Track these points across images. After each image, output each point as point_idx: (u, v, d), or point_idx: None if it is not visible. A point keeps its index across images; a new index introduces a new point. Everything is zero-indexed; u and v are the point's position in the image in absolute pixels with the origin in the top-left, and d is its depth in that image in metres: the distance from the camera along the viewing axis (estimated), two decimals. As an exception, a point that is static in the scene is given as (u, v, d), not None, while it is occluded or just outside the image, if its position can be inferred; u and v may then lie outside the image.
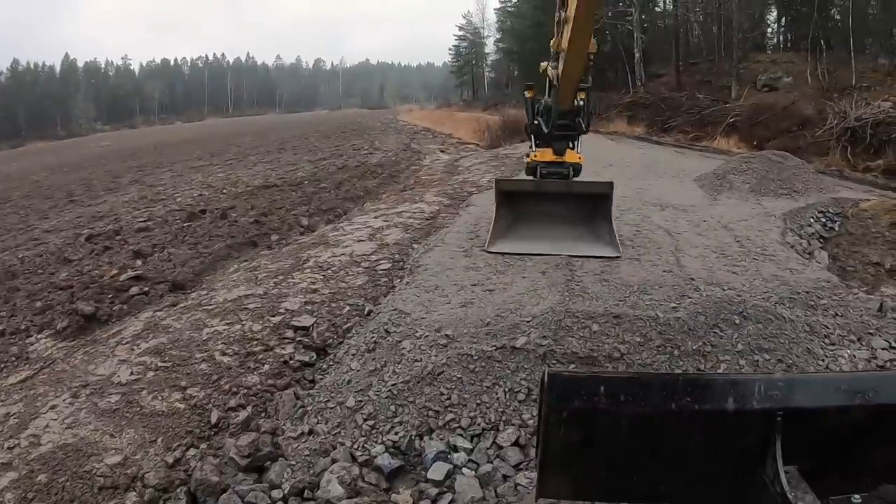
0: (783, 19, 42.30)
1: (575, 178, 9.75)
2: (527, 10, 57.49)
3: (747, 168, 14.13)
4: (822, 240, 10.76)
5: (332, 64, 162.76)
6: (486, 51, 78.22)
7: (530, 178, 10.01)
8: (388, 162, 21.31)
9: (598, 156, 21.25)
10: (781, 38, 42.67)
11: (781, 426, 2.97)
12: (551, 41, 8.87)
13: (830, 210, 11.74)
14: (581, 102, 9.25)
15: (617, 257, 8.29)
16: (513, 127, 29.64)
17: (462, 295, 6.83)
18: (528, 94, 10.50)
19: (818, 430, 3.05)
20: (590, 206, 9.36)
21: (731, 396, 3.01)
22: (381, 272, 8.29)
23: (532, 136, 10.19)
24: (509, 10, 64.56)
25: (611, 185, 9.34)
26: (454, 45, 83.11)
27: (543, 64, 9.47)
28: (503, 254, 8.49)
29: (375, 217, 11.54)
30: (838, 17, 35.75)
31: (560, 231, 9.12)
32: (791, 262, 8.43)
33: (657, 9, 45.98)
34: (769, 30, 43.03)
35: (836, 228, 11.33)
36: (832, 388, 3.15)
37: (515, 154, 20.65)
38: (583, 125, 9.46)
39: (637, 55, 40.15)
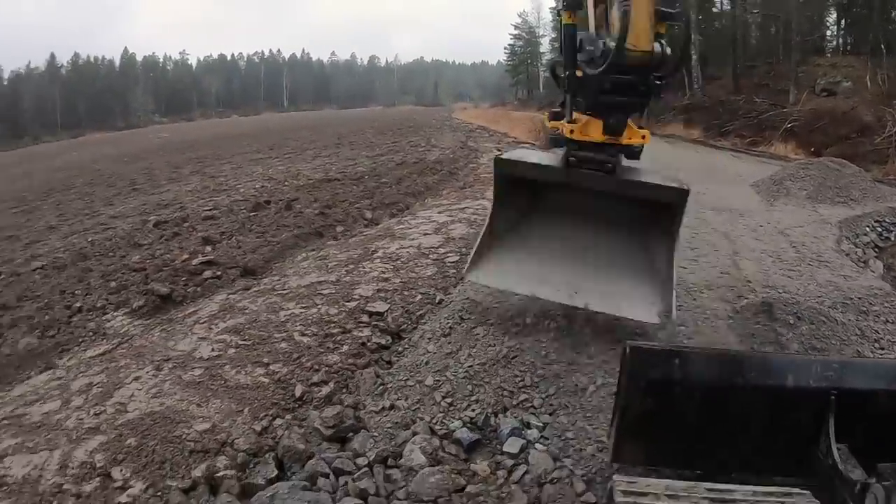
0: (843, 21, 41.39)
1: (630, 167, 5.75)
2: (582, 11, 57.22)
3: (804, 175, 14.21)
4: (877, 249, 10.85)
5: (387, 61, 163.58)
6: (542, 50, 78.03)
7: (552, 155, 5.98)
8: (447, 159, 21.52)
9: (654, 158, 21.50)
10: (841, 41, 41.85)
11: (835, 405, 3.34)
12: None
13: (887, 220, 11.90)
14: (666, 48, 5.00)
15: (662, 323, 5.58)
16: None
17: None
18: (566, 19, 5.66)
19: (868, 411, 3.38)
20: (646, 221, 5.99)
21: (791, 374, 3.47)
22: (449, 264, 8.48)
23: (569, 95, 5.72)
24: (565, 7, 64.45)
25: (685, 192, 5.54)
26: (509, 45, 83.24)
27: None
28: (488, 287, 6.30)
29: (439, 212, 11.80)
30: (899, 19, 35.04)
31: (587, 257, 6.04)
32: (845, 268, 8.60)
33: (714, 9, 45.33)
34: (828, 32, 42.14)
35: (892, 238, 11.44)
36: (884, 373, 3.54)
37: (573, 154, 20.86)
38: (660, 83, 5.19)
39: (694, 57, 39.62)
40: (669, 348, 4.09)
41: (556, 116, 6.27)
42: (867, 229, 11.49)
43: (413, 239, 9.74)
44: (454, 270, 8.21)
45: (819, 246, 9.71)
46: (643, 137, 5.66)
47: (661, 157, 21.95)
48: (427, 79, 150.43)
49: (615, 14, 4.97)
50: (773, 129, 28.07)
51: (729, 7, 43.07)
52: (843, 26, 41.57)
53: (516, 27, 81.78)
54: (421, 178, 17.49)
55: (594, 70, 5.08)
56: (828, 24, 42.15)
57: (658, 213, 5.77)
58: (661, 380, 3.51)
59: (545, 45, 76.02)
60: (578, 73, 5.45)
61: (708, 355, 3.82)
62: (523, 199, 6.20)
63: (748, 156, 25.80)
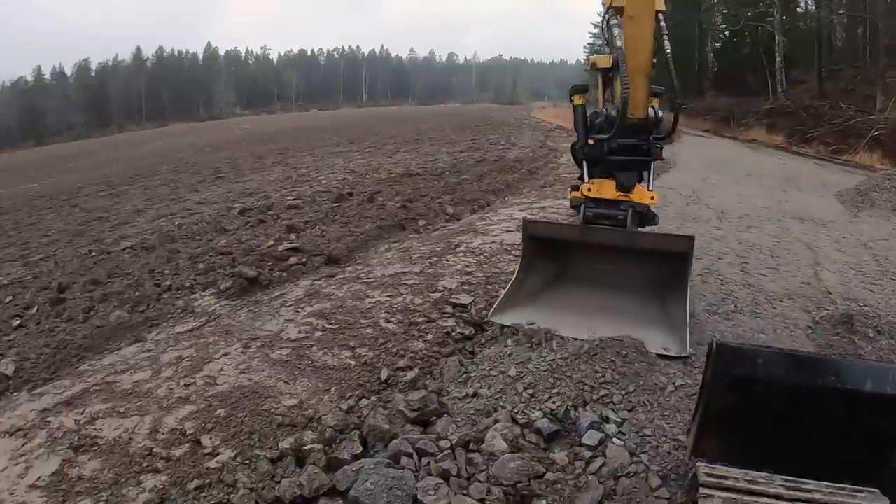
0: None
1: (640, 228, 6.76)
2: (663, 10, 56.35)
3: (890, 186, 14.01)
4: None
5: (465, 58, 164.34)
6: (620, 47, 77.27)
7: (573, 220, 7.51)
8: (526, 158, 21.55)
9: (737, 164, 21.23)
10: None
11: None
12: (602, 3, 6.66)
13: None
14: (658, 112, 6.62)
15: (684, 357, 5.72)
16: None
17: None
18: (576, 101, 7.49)
19: None
20: (659, 270, 6.67)
21: (869, 380, 3.53)
22: None
23: (584, 163, 7.04)
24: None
25: (691, 240, 6.47)
26: (588, 44, 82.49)
27: (593, 57, 7.51)
28: (510, 326, 6.32)
29: (520, 210, 11.89)
30: None
31: (609, 301, 6.58)
32: None
33: (798, 9, 44.06)
34: None
35: None
36: None
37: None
38: (659, 147, 6.77)
39: (778, 59, 38.58)
40: (755, 347, 4.24)
41: (575, 188, 7.34)
42: None
43: (495, 235, 9.84)
44: None
45: None
46: (651, 198, 6.66)
47: (743, 163, 21.72)
48: (505, 77, 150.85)
49: (618, 92, 6.19)
50: (858, 137, 27.45)
51: (814, 7, 41.94)
52: None
53: (596, 26, 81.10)
54: (501, 176, 17.59)
55: (603, 136, 6.60)
56: None
57: (669, 263, 6.49)
58: (745, 377, 3.63)
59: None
60: (590, 142, 6.87)
61: (790, 356, 3.90)
62: (548, 258, 6.97)
63: (832, 164, 25.34)
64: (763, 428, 3.74)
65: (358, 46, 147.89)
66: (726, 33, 49.52)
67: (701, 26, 50.60)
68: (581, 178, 7.14)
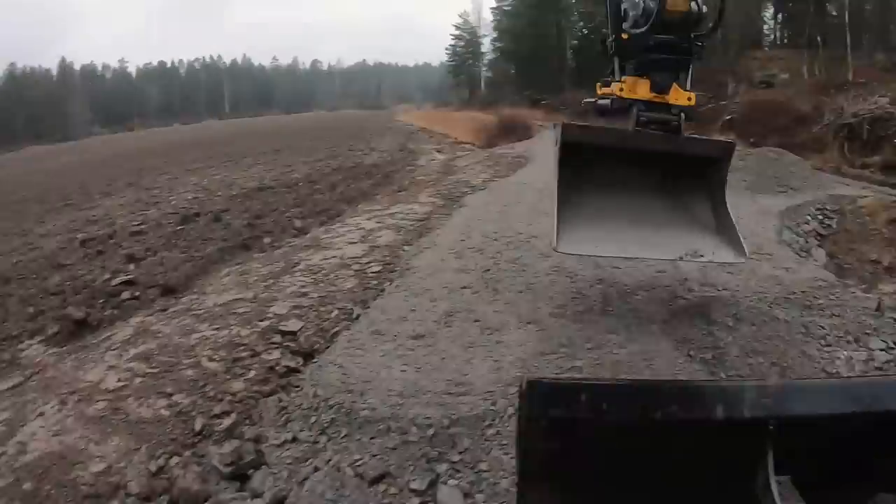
0: (779, 16, 42.56)
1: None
2: (523, 10, 57.88)
3: (744, 166, 14.07)
4: (819, 237, 10.64)
5: (329, 65, 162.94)
6: (483, 50, 78.32)
7: (606, 125, 6.64)
8: (384, 162, 21.29)
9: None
10: (778, 34, 42.93)
11: (774, 436, 2.75)
12: None
13: (828, 207, 11.72)
14: (702, 5, 5.86)
15: (742, 262, 6.33)
16: (508, 125, 29.64)
17: (450, 300, 6.87)
18: None
19: (814, 440, 2.91)
20: (699, 178, 6.55)
21: (721, 405, 2.75)
22: (371, 275, 8.10)
23: (616, 57, 6.36)
24: (506, 9, 64.67)
25: (732, 146, 6.65)
26: (451, 45, 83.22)
27: None
28: (578, 255, 6.56)
29: (368, 218, 11.40)
30: (834, 13, 36.02)
31: (657, 214, 6.47)
32: (787, 261, 8.42)
33: None
34: (766, 27, 43.23)
35: (834, 226, 11.23)
36: (829, 395, 2.97)
37: (511, 154, 20.64)
38: (701, 45, 6.02)
39: None
40: (575, 381, 3.65)
41: (606, 84, 6.54)
42: (808, 218, 11.37)
43: (338, 249, 9.32)
44: (375, 281, 7.87)
45: (760, 238, 9.48)
46: (689, 99, 6.04)
47: None
48: (369, 82, 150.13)
49: None
50: (711, 122, 28.28)
51: None
52: (779, 20, 43.29)
53: (458, 28, 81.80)
54: (356, 184, 17.21)
55: (638, 30, 5.84)
56: (765, 18, 44.23)
57: (709, 171, 6.47)
58: (566, 418, 3.04)
59: (486, 45, 76.35)
60: (624, 36, 6.09)
61: (620, 388, 3.26)
62: (587, 167, 6.33)
63: None
64: (598, 474, 3.19)
65: (220, 56, 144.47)
66: (584, 31, 50.87)
67: (559, 25, 51.96)
68: (612, 73, 6.40)
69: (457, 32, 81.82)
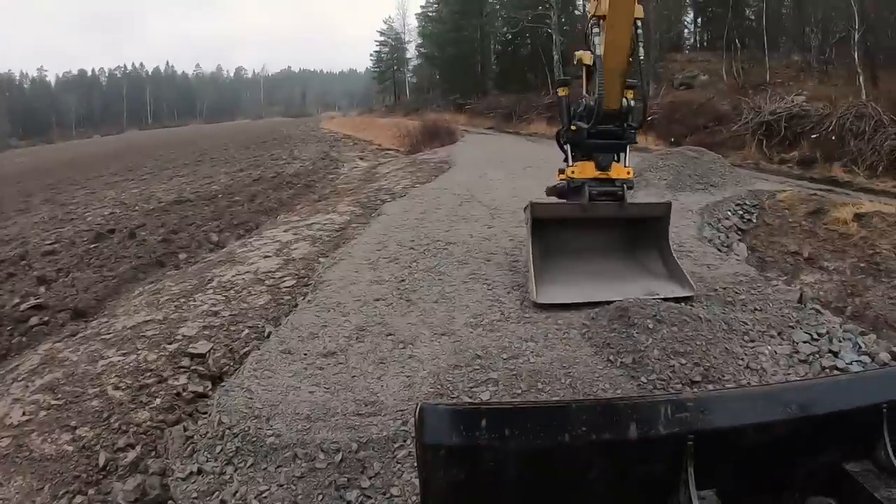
0: (699, 20, 43.88)
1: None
2: (447, 15, 58.01)
3: (664, 164, 14.24)
4: (740, 232, 10.85)
5: (254, 72, 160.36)
6: (408, 56, 78.15)
7: (563, 201, 7.94)
8: (305, 171, 20.96)
9: (517, 158, 21.33)
10: (697, 37, 44.13)
11: (693, 451, 2.68)
12: (587, 6, 7.62)
13: (748, 202, 11.89)
14: (631, 102, 7.46)
15: (690, 297, 6.89)
16: (432, 131, 29.54)
17: (363, 313, 6.71)
18: (561, 93, 8.08)
19: (736, 450, 2.79)
20: (644, 233, 7.75)
21: (634, 423, 2.66)
22: (284, 290, 7.93)
23: (567, 147, 7.77)
24: (430, 14, 64.62)
25: (668, 206, 7.82)
26: (375, 51, 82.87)
27: (578, 53, 7.70)
28: (554, 305, 6.85)
29: (285, 230, 11.18)
30: (752, 16, 37.06)
31: (614, 266, 7.59)
32: (708, 257, 8.52)
33: (577, 12, 46.72)
34: (686, 30, 44.23)
35: (754, 220, 11.44)
36: (748, 404, 2.86)
37: (434, 159, 20.59)
38: (633, 132, 7.53)
39: (556, 57, 40.94)
40: (474, 406, 3.26)
41: (561, 171, 7.85)
42: (729, 213, 11.51)
43: (252, 263, 9.09)
44: (288, 296, 7.71)
45: (681, 235, 9.52)
46: (628, 173, 7.51)
47: (522, 157, 21.66)
48: (295, 89, 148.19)
49: (597, 87, 6.98)
50: None
51: None
52: (699, 24, 44.39)
53: (382, 33, 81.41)
54: (276, 194, 16.87)
55: (584, 124, 7.28)
56: (685, 22, 45.15)
57: (652, 226, 7.64)
58: (465, 446, 2.64)
59: (411, 51, 76.18)
60: (573, 129, 7.52)
61: (523, 411, 2.84)
62: (553, 234, 7.58)
63: None
64: (505, 501, 2.77)
65: (142, 64, 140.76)
66: (508, 36, 51.18)
67: (483, 30, 52.27)
68: (566, 159, 7.75)
69: (381, 38, 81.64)
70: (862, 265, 9.12)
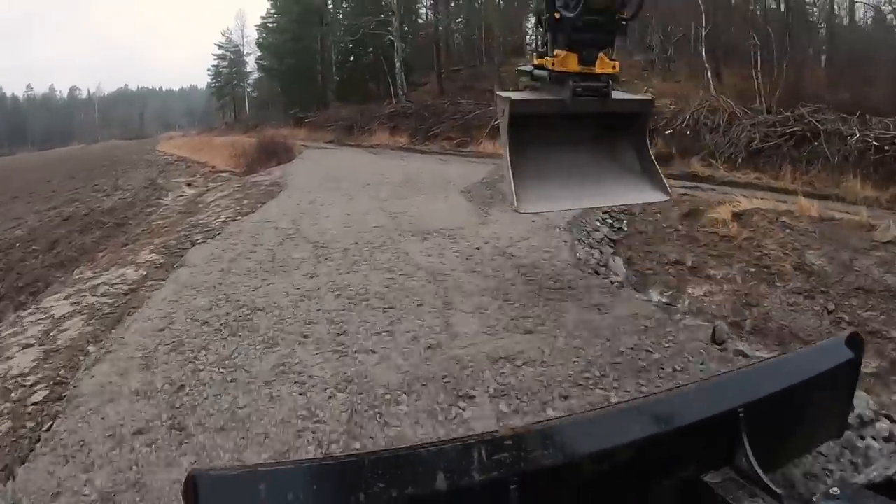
0: (539, 26, 44.05)
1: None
2: (285, 24, 55.20)
3: (520, 174, 12.66)
4: (612, 244, 9.64)
5: (89, 92, 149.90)
6: (249, 69, 74.30)
7: (542, 95, 6.96)
8: (123, 205, 18.14)
9: (356, 174, 19.08)
10: (539, 41, 44.26)
11: (518, 496, 2.08)
12: None
13: (615, 208, 10.73)
14: None
15: (668, 200, 7.13)
16: (269, 148, 27.47)
17: (115, 465, 4.18)
18: None
19: (571, 487, 2.26)
20: (623, 129, 7.12)
21: (441, 472, 2.03)
22: (30, 411, 5.18)
23: (550, 32, 6.80)
24: (270, 25, 60.91)
25: (650, 102, 7.52)
26: (213, 65, 78.36)
27: None
28: (537, 213, 7.38)
29: (68, 296, 8.39)
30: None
31: (594, 169, 6.99)
32: (594, 294, 7.10)
33: (420, 20, 47.88)
34: (528, 35, 45.12)
35: (625, 228, 10.44)
36: (584, 431, 2.32)
37: (266, 181, 18.28)
38: (624, 24, 6.51)
39: (398, 64, 40.25)
40: (251, 469, 2.20)
41: (541, 55, 7.06)
42: (598, 224, 10.28)
43: (8, 359, 6.35)
44: (31, 424, 4.95)
45: (554, 264, 8.06)
46: (613, 67, 6.63)
47: (362, 172, 19.44)
48: (133, 109, 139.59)
49: None
50: (480, 129, 28.31)
51: (432, 17, 45.85)
52: (540, 28, 44.34)
53: (220, 46, 76.89)
54: (81, 238, 14.19)
55: (570, 13, 6.19)
56: (527, 28, 45.52)
57: (631, 123, 7.05)
58: None
59: (251, 64, 72.27)
60: (556, 16, 6.42)
61: (309, 469, 2.00)
62: (533, 133, 6.74)
63: (457, 157, 24.83)
64: None
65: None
66: (349, 45, 49.17)
67: (324, 39, 50.20)
68: (546, 45, 6.96)
69: (220, 52, 77.21)
70: (751, 270, 8.59)
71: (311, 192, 15.77)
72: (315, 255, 9.37)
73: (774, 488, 2.09)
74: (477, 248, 8.99)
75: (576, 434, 2.29)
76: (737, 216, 10.11)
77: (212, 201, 16.15)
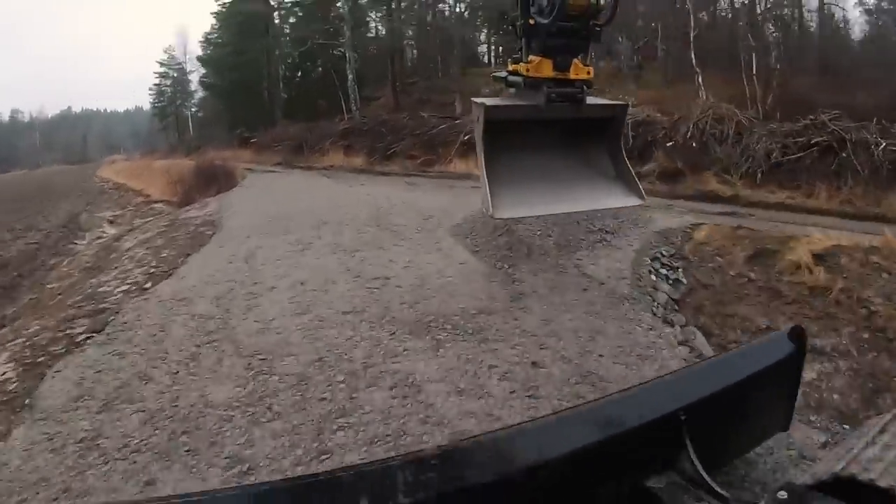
0: (493, 37, 44.32)
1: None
2: (228, 38, 51.69)
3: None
4: (676, 306, 7.56)
5: (31, 115, 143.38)
6: (193, 88, 70.34)
7: (517, 100, 7.05)
8: (25, 255, 14.82)
9: (308, 207, 15.01)
10: (493, 52, 44.69)
11: None
12: None
13: (663, 252, 8.58)
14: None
15: (642, 204, 7.08)
16: (208, 174, 24.23)
17: None
18: None
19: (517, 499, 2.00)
20: (598, 134, 7.24)
21: (365, 497, 1.66)
22: None
23: (524, 38, 6.88)
24: (212, 39, 56.99)
25: (625, 107, 7.52)
26: (156, 84, 74.29)
27: None
28: (514, 219, 7.55)
29: None
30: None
31: (569, 175, 7.07)
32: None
33: (370, 35, 44.74)
34: (481, 46, 45.38)
35: (683, 280, 8.21)
36: (517, 445, 2.02)
37: (198, 217, 14.93)
38: (598, 30, 6.64)
39: (350, 77, 36.90)
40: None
41: (515, 61, 7.06)
42: (652, 277, 8.01)
43: None
44: None
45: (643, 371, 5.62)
46: (588, 73, 6.81)
47: (316, 204, 14.90)
48: (76, 132, 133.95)
49: None
50: (447, 146, 24.32)
51: (384, 29, 43.32)
52: (493, 40, 44.72)
53: (162, 64, 72.80)
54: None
55: (544, 19, 6.47)
56: (480, 39, 46.16)
57: (605, 128, 7.23)
58: None
59: (195, 83, 68.28)
60: (531, 22, 6.63)
61: (216, 499, 1.69)
62: (508, 139, 6.78)
63: (426, 180, 20.84)
64: None
65: None
66: (297, 58, 45.85)
67: (270, 52, 46.53)
68: (520, 50, 7.03)
69: (162, 70, 73.20)
70: (864, 335, 6.64)
71: (251, 237, 11.86)
72: (250, 393, 5.40)
73: (720, 490, 1.93)
74: (533, 363, 5.69)
75: (508, 447, 2.04)
76: (818, 258, 7.92)
77: (129, 248, 12.80)
